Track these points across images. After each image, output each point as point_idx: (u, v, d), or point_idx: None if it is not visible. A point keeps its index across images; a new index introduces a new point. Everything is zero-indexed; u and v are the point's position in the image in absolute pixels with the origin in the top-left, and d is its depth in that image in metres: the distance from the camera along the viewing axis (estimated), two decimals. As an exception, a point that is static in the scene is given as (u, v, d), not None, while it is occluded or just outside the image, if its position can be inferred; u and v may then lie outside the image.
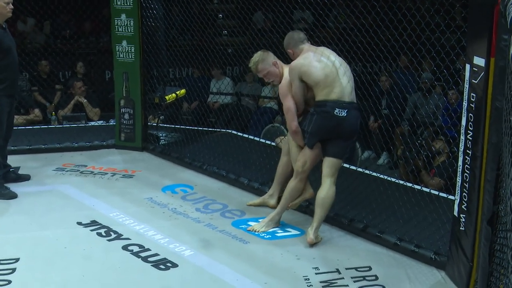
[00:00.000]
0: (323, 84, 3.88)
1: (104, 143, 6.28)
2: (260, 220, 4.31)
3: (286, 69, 4.14)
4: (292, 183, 4.15)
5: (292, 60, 4.09)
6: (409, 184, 4.63)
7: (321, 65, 3.90)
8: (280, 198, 4.36)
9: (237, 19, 6.58)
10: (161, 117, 6.75)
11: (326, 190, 3.95)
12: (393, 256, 3.85)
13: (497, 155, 2.94)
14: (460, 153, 3.30)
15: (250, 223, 4.34)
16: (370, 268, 3.67)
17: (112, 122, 6.71)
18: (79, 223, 4.30)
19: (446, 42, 4.19)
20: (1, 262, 3.65)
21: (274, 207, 4.42)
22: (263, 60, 4.15)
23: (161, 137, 6.42)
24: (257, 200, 4.69)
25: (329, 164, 3.98)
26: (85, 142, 6.22)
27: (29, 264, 3.65)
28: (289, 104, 4.03)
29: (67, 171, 5.50)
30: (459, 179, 3.33)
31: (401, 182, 4.80)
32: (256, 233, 4.13)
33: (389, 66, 6.19)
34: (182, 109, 7.60)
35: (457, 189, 3.37)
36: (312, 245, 3.93)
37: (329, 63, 3.91)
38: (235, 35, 6.98)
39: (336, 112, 3.85)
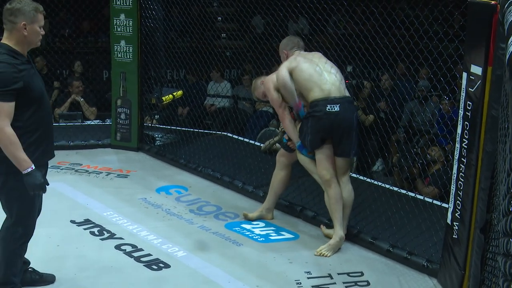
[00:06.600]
0: (312, 83, 3.91)
1: (100, 142, 6.27)
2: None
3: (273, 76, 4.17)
4: (331, 193, 3.96)
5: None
6: (403, 191, 4.63)
7: (308, 65, 3.97)
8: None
9: (236, 22, 6.59)
10: (156, 116, 6.73)
11: (347, 189, 4.01)
12: (386, 262, 3.86)
13: (491, 163, 2.95)
14: (455, 161, 3.30)
15: (244, 225, 4.34)
16: (362, 274, 3.68)
17: (108, 122, 6.69)
18: (73, 222, 4.30)
19: (444, 50, 4.20)
20: (-7, 258, 3.63)
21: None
22: (255, 89, 4.38)
23: (157, 138, 6.41)
24: (254, 214, 4.48)
25: (339, 165, 4.01)
26: (81, 141, 6.21)
27: (21, 261, 3.64)
28: (272, 95, 4.07)
29: (62, 169, 5.49)
30: (453, 187, 3.34)
31: (395, 189, 4.81)
32: (325, 257, 3.89)
33: (386, 72, 6.20)
34: (178, 113, 7.57)
35: (451, 197, 3.37)
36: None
37: (315, 63, 3.97)
38: (233, 39, 6.99)
39: (329, 109, 3.86)
